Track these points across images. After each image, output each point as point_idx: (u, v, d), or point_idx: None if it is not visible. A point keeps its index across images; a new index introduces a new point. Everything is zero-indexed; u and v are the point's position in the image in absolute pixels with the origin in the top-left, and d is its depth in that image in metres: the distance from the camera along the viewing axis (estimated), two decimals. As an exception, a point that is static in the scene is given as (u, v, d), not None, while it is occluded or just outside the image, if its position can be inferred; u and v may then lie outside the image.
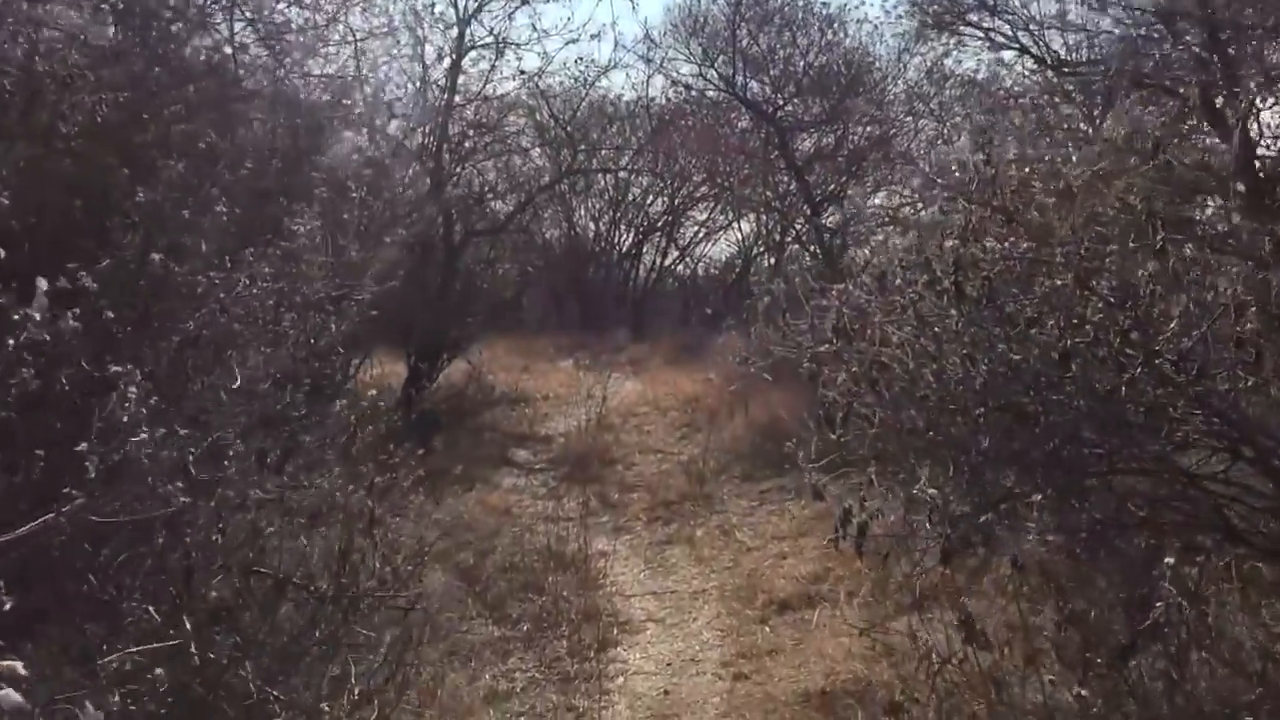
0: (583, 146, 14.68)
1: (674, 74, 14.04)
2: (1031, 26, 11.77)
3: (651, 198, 23.55)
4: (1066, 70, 11.07)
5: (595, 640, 5.61)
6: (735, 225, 22.07)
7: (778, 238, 18.57)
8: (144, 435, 2.67)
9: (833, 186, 14.88)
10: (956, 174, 4.65)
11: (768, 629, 5.61)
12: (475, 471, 9.85)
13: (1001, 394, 3.20)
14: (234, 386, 3.51)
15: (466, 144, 13.88)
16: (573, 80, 13.25)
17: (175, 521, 3.00)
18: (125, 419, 2.62)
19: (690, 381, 13.64)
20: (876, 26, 13.74)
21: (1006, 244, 3.42)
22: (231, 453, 3.37)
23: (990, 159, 3.65)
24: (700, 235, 24.01)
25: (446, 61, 12.81)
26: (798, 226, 16.31)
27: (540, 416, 12.49)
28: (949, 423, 3.35)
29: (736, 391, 11.72)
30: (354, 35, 11.98)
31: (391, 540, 4.60)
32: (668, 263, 24.95)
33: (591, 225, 24.52)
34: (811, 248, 14.92)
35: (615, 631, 5.82)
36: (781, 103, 13.67)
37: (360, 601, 3.80)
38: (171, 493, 2.76)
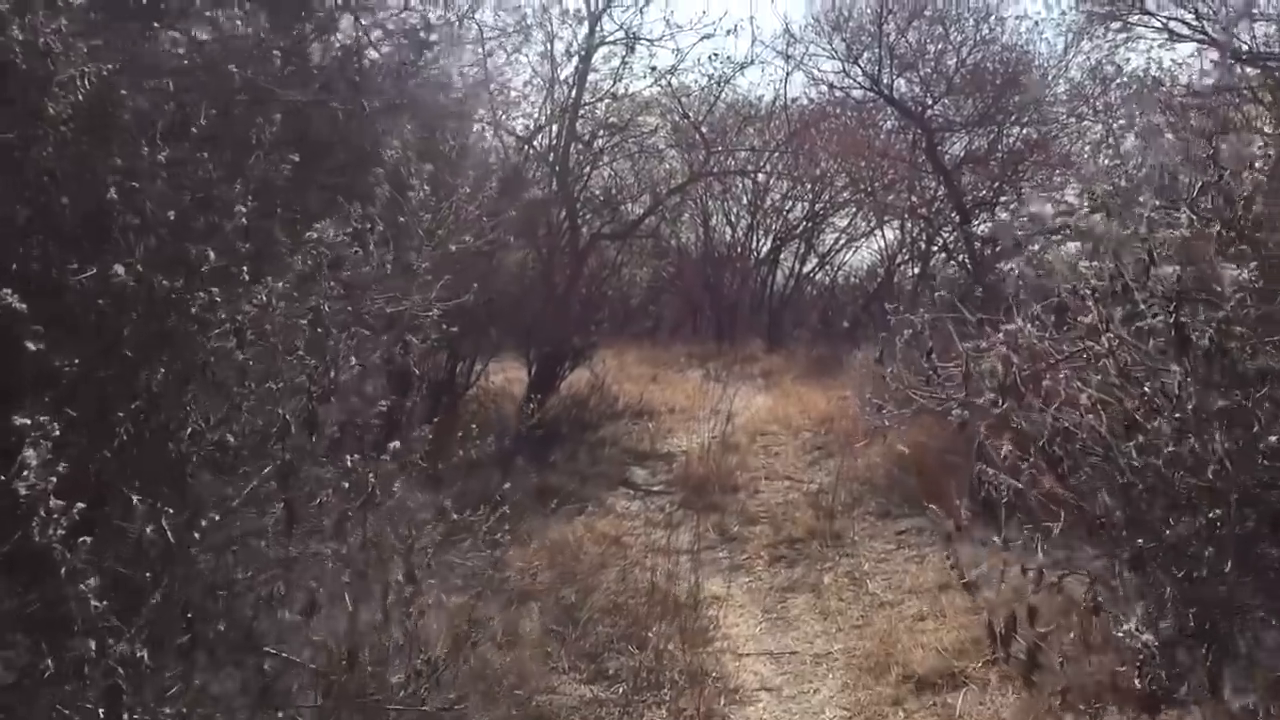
0: (719, 148, 13.90)
1: (815, 71, 13.20)
2: (1216, 16, 10.63)
3: (791, 203, 22.73)
4: (1258, 64, 9.90)
5: (699, 712, 4.87)
6: (878, 233, 21.10)
7: (923, 246, 17.48)
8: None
9: (984, 192, 13.76)
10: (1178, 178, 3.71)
11: (902, 714, 4.78)
12: (590, 491, 9.24)
13: (1242, 483, 2.33)
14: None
15: (596, 144, 13.28)
16: (707, 78, 12.54)
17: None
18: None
19: (825, 399, 12.77)
20: (1037, 22, 12.66)
21: (1247, 272, 2.52)
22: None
23: (1220, 158, 2.76)
24: (841, 242, 23.05)
25: (575, 59, 12.22)
26: (945, 235, 15.25)
27: (663, 432, 11.81)
28: (1161, 519, 2.49)
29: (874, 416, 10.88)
30: (482, 33, 11.62)
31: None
32: (806, 270, 24.06)
33: (728, 230, 23.82)
34: (960, 257, 13.88)
35: (722, 701, 5.07)
36: (931, 102, 12.67)
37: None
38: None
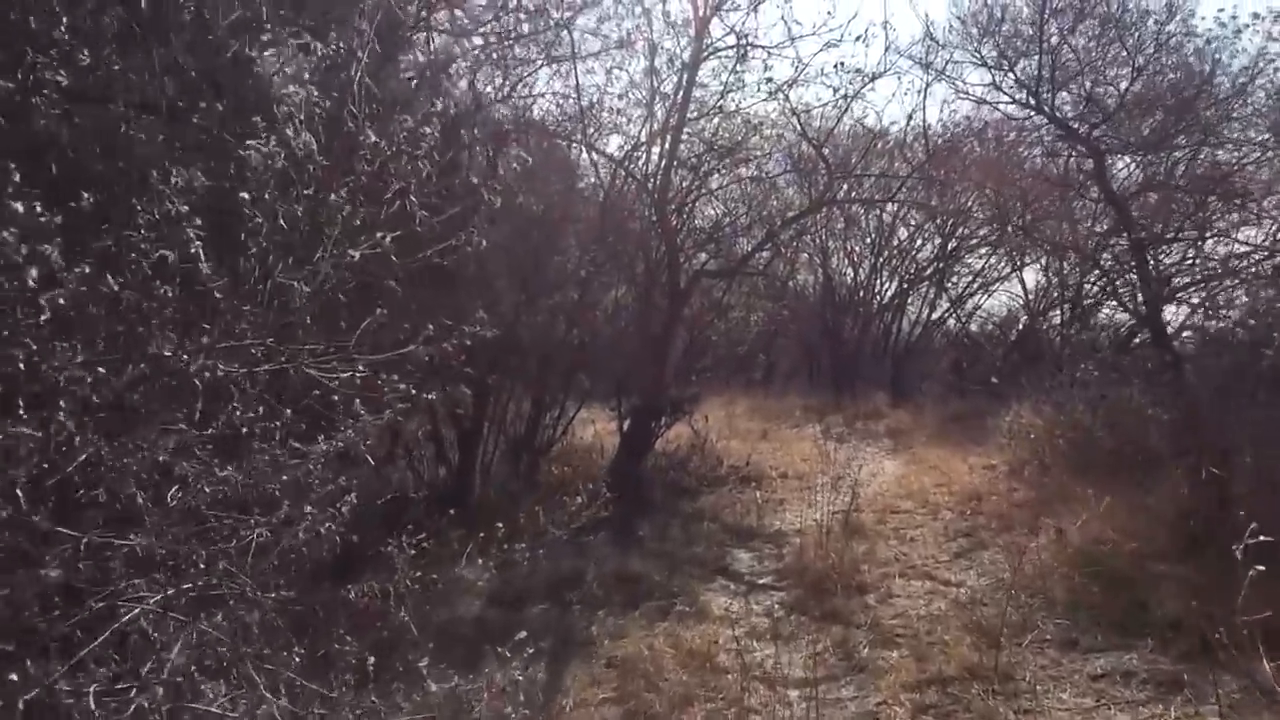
0: (841, 175, 12.04)
1: (960, 82, 11.27)
2: None
3: (920, 241, 20.71)
4: None
5: None
6: (1018, 273, 18.91)
7: (1085, 286, 15.27)
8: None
9: (1160, 226, 11.60)
10: None
11: None
12: (680, 582, 7.47)
13: None
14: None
15: (702, 168, 11.59)
16: (832, 91, 10.75)
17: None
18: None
19: (967, 467, 10.77)
20: (1209, 41, 10.53)
21: None
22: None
23: None
24: (974, 285, 20.89)
25: (679, 70, 10.55)
26: (1110, 274, 13.09)
27: (773, 503, 9.96)
28: None
29: (1039, 492, 8.88)
30: (574, 46, 10.09)
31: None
32: (935, 316, 21.94)
33: (849, 271, 21.88)
34: (1133, 300, 11.74)
35: None
36: (1099, 119, 10.63)
37: None
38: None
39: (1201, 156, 11.27)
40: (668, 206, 10.98)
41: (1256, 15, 10.80)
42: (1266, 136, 10.81)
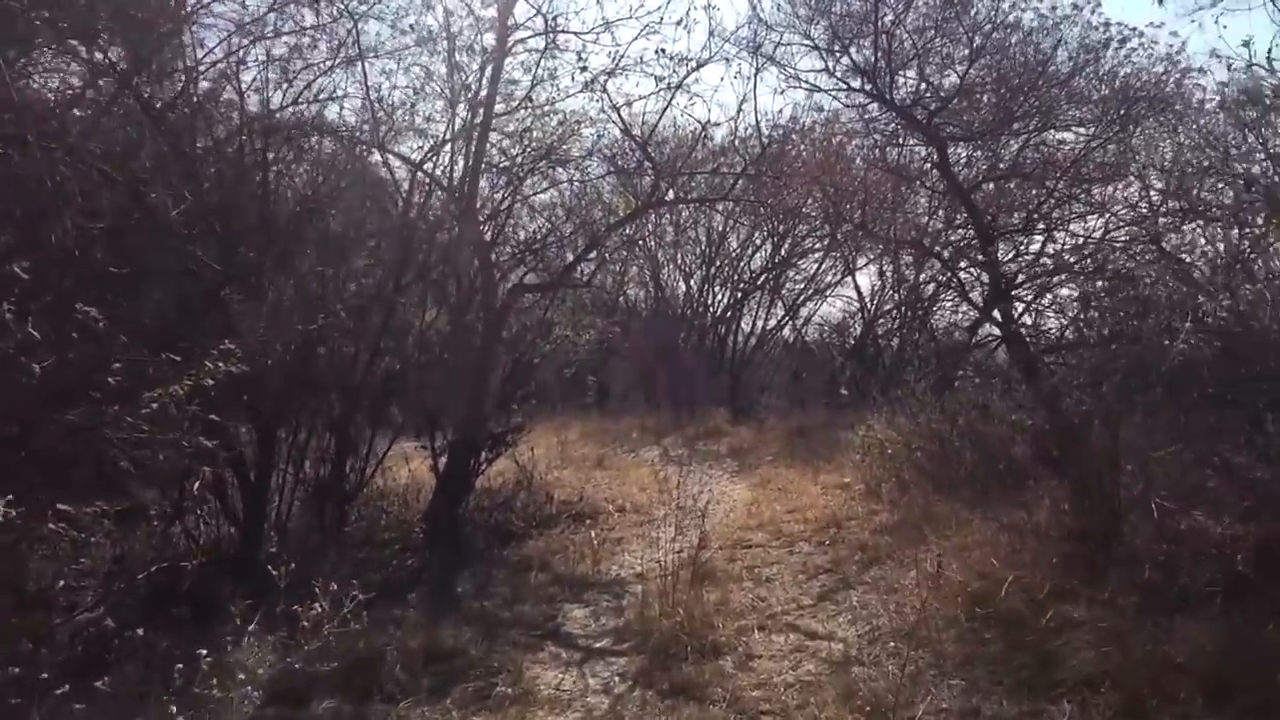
0: (667, 176, 10.99)
1: (790, 68, 10.34)
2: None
3: (752, 249, 20.02)
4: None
5: None
6: (852, 276, 18.41)
7: (923, 285, 14.70)
8: None
9: (1003, 217, 10.99)
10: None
11: None
12: (501, 654, 6.23)
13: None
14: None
15: (516, 173, 10.40)
16: (655, 81, 9.70)
17: None
18: None
19: (819, 488, 9.88)
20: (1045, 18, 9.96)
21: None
22: None
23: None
24: (809, 291, 20.35)
25: (480, 58, 9.36)
26: (955, 270, 12.46)
27: (611, 544, 8.83)
28: None
29: (902, 514, 7.99)
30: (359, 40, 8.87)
31: None
32: (771, 325, 21.30)
33: (682, 283, 21.06)
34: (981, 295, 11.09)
35: None
36: (937, 105, 9.90)
37: None
38: None
39: (1041, 140, 10.70)
40: (478, 215, 9.75)
41: (1075, 6, 10.28)
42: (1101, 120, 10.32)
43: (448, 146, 9.48)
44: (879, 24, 9.40)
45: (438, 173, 9.60)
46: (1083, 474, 6.30)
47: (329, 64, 9.03)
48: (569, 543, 8.86)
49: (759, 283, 20.35)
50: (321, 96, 9.16)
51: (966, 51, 9.79)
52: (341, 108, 10.40)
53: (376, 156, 9.83)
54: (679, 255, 20.05)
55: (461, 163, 9.54)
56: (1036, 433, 7.41)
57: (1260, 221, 6.39)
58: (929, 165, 11.08)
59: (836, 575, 7.07)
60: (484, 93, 9.39)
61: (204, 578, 7.62)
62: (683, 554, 7.60)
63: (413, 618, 7.10)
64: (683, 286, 20.90)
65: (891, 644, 5.45)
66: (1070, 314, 9.96)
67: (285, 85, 8.77)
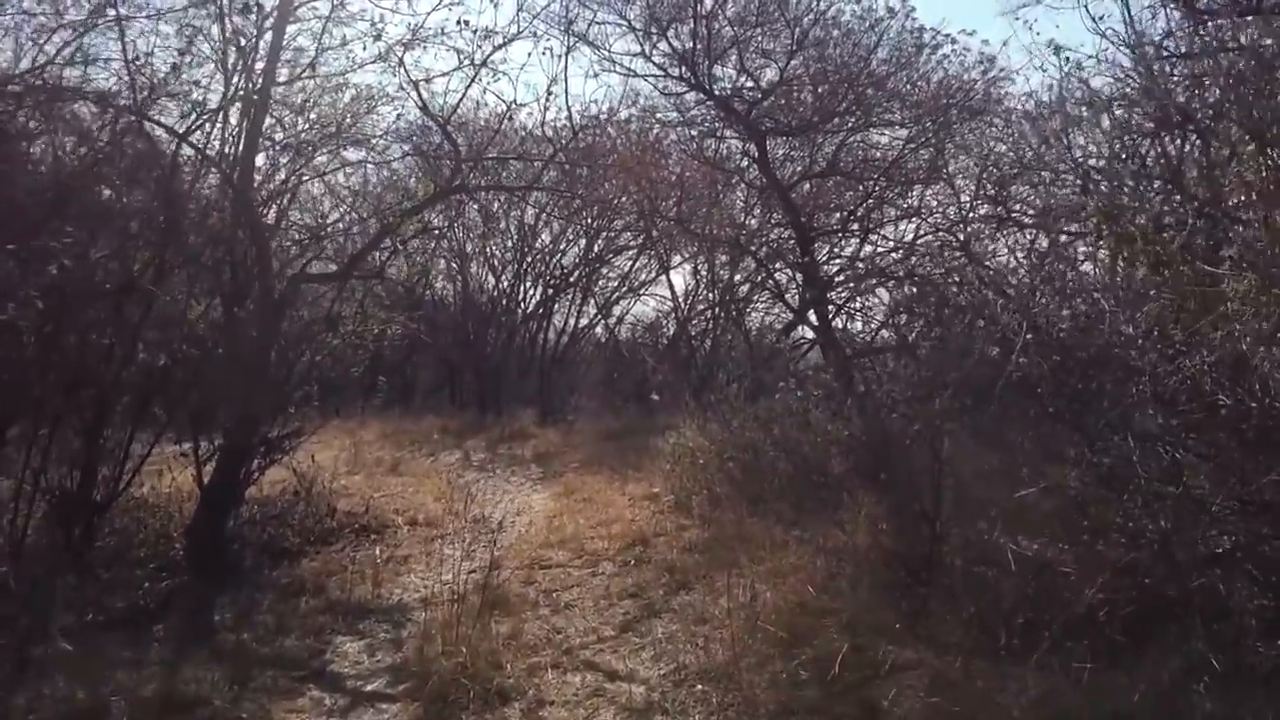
0: (469, 160, 10.12)
1: (605, 49, 9.68)
2: None
3: (565, 245, 19.35)
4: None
5: None
6: (666, 275, 17.95)
7: (738, 285, 14.30)
8: None
9: (820, 217, 10.64)
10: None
11: None
12: (253, 702, 5.33)
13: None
14: None
15: (301, 150, 9.40)
16: (457, 56, 8.88)
17: None
18: None
19: (626, 499, 9.27)
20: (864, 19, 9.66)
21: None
22: None
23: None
24: (623, 289, 19.81)
25: (263, 22, 8.36)
26: (766, 268, 12.08)
27: (396, 563, 7.99)
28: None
29: (714, 531, 7.44)
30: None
31: None
32: (583, 324, 20.67)
33: (491, 278, 20.19)
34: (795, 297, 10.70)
35: None
36: (757, 97, 9.42)
37: None
38: None
39: (861, 139, 10.42)
40: (255, 196, 8.72)
41: (890, 10, 10.02)
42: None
43: (219, 116, 8.41)
44: (697, 9, 8.86)
45: (209, 147, 8.51)
46: (902, 492, 5.85)
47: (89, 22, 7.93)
48: (348, 561, 7.97)
49: (571, 279, 19.70)
50: (78, 59, 8.04)
51: (788, 44, 9.35)
52: (99, 72, 9.21)
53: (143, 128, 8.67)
54: (488, 249, 19.17)
55: (237, 137, 8.50)
56: (854, 444, 6.96)
57: (1076, 228, 6.10)
58: (747, 160, 10.64)
59: (641, 601, 6.43)
60: (263, 60, 8.38)
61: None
62: (475, 574, 6.86)
63: (155, 654, 6.12)
64: (493, 281, 20.01)
65: (699, 687, 4.84)
66: (881, 318, 9.71)
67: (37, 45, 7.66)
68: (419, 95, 9.27)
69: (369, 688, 5.54)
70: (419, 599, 6.94)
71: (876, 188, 10.49)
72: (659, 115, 11.08)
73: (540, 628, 6.10)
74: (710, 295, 15.85)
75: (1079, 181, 7.33)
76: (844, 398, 7.18)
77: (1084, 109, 8.17)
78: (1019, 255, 7.84)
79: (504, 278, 19.99)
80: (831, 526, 6.58)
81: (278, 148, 9.26)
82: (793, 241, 10.09)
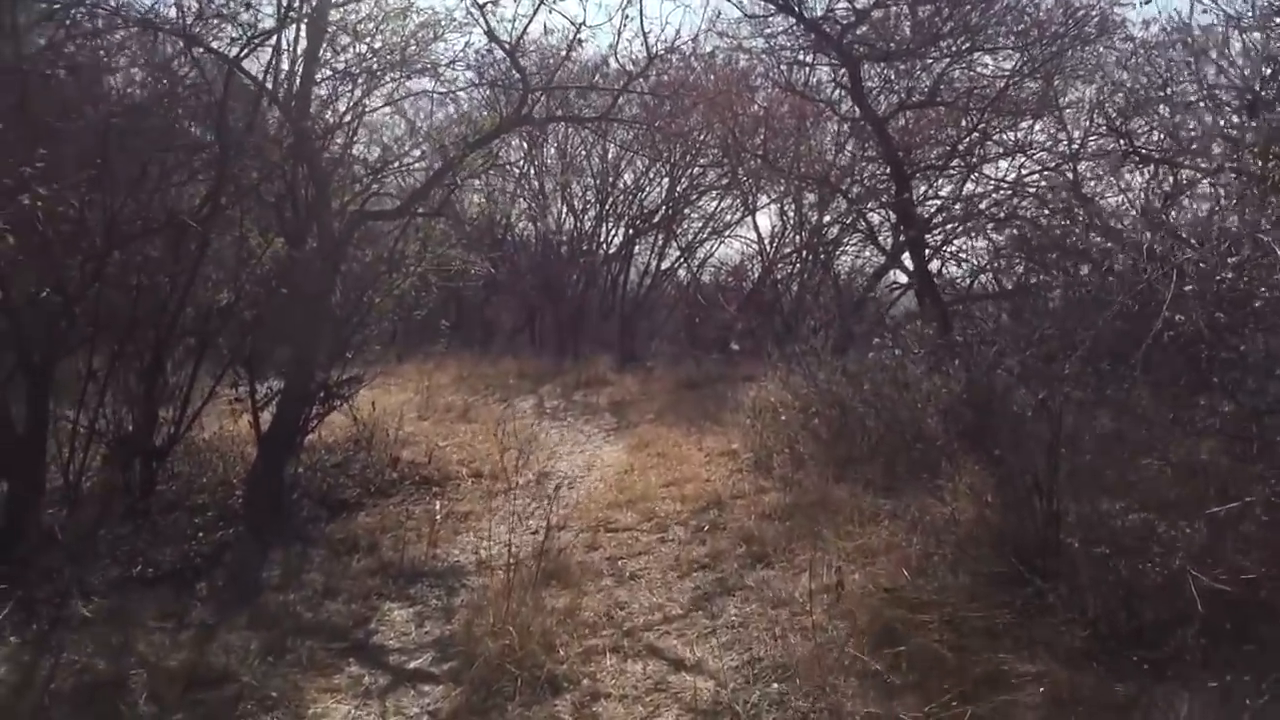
0: (538, 89, 9.44)
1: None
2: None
3: (647, 184, 18.63)
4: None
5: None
6: (751, 216, 17.15)
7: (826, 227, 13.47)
8: None
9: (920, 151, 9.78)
10: None
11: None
12: (284, 680, 4.87)
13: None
14: None
15: (361, 79, 8.85)
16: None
17: None
18: None
19: (702, 454, 8.67)
20: None
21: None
22: None
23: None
24: (707, 231, 19.04)
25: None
26: (863, 211, 11.26)
27: (456, 519, 7.50)
28: None
29: (795, 495, 6.80)
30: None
31: None
32: (665, 266, 19.94)
33: (571, 219, 19.56)
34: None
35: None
36: (851, 20, 8.58)
37: None
38: None
39: (967, 64, 9.49)
40: (313, 126, 8.19)
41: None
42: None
43: (274, 40, 7.86)
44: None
45: (263, 74, 7.98)
46: (1011, 462, 5.12)
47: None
48: (405, 516, 7.51)
49: (654, 220, 18.98)
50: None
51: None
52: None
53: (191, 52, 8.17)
54: (569, 188, 18.51)
55: (293, 64, 7.97)
56: (955, 405, 6.21)
57: (1239, 163, 5.23)
58: (839, 91, 9.80)
59: (714, 574, 5.82)
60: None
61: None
62: (537, 534, 6.34)
63: (194, 614, 5.72)
64: (573, 222, 19.37)
65: (775, 686, 4.22)
66: (982, 262, 8.90)
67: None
68: (485, 20, 8.62)
69: (412, 664, 5.06)
70: (474, 562, 6.44)
71: (981, 121, 9.57)
72: (744, 42, 10.30)
73: (601, 602, 5.53)
74: (797, 238, 15.02)
75: (1228, 109, 6.43)
76: (945, 352, 6.42)
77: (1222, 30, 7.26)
78: (1149, 194, 6.97)
79: (585, 218, 19.37)
80: (928, 497, 5.90)
81: (338, 76, 8.68)
82: (887, 179, 9.26)
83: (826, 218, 13.79)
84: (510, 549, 5.93)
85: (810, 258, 14.19)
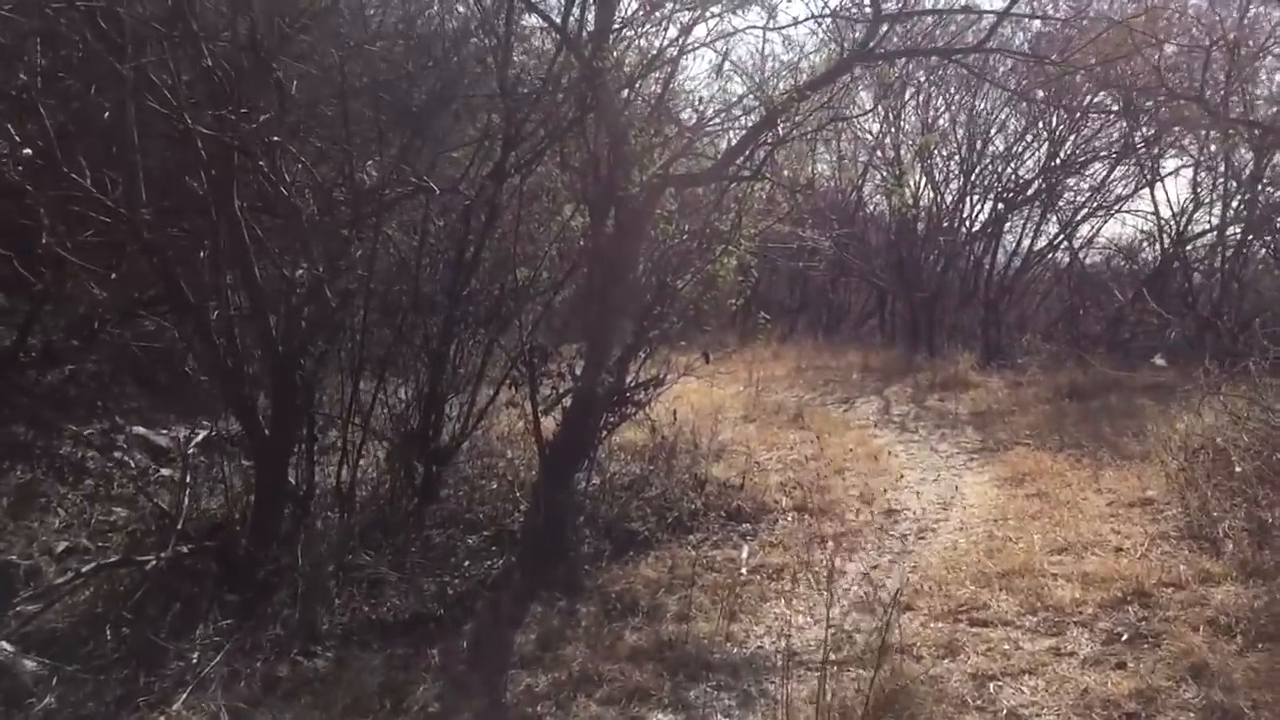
0: (890, 17, 7.39)
1: None
2: None
3: (1022, 149, 15.97)
4: None
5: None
6: (1151, 186, 14.18)
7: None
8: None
9: None
10: None
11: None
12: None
13: None
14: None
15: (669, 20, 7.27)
16: None
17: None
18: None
19: (1103, 499, 6.41)
20: None
21: None
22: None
23: None
24: (1093, 204, 16.08)
25: None
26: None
27: (764, 577, 5.73)
28: None
29: (1270, 593, 4.50)
30: None
31: None
32: (1039, 246, 17.12)
33: (931, 191, 17.20)
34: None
35: None
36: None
37: None
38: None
39: None
40: (607, 74, 6.63)
41: None
42: None
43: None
44: None
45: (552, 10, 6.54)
46: None
47: None
48: (704, 566, 5.82)
49: (1029, 192, 16.27)
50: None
51: None
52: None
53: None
54: (929, 154, 16.16)
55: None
56: None
57: None
58: None
59: (1149, 732, 3.69)
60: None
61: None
62: (874, 612, 4.47)
63: (417, 697, 4.34)
64: (932, 195, 17.00)
65: None
66: None
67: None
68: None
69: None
70: (780, 653, 4.60)
71: None
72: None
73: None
74: (1221, 210, 11.98)
75: None
76: None
77: None
78: None
79: (946, 191, 16.96)
80: None
81: (644, 10, 7.09)
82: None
83: (1264, 180, 10.77)
84: (831, 641, 4.10)
85: (1251, 236, 11.18)
